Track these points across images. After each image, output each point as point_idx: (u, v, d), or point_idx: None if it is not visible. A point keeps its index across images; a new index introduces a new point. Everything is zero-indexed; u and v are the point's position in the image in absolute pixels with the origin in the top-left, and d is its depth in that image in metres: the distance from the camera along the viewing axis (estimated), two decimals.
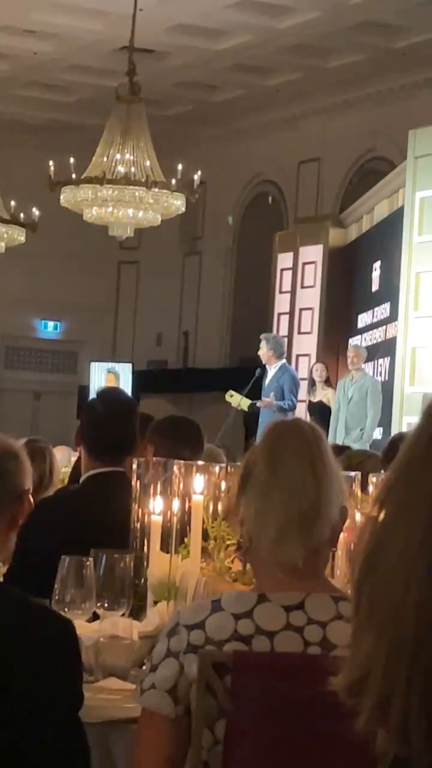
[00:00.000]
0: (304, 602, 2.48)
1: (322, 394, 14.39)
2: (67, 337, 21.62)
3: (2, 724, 2.12)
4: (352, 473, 3.45)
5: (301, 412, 14.41)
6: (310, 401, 14.44)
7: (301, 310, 16.27)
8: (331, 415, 13.63)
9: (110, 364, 19.99)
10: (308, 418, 14.08)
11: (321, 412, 13.97)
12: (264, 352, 13.53)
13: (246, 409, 13.66)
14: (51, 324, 21.60)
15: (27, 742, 2.12)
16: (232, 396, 13.73)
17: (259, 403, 13.34)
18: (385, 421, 13.19)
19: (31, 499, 2.56)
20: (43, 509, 4.50)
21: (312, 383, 14.57)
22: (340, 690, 1.15)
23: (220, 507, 3.40)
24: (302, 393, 14.47)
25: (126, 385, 18.37)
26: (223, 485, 3.41)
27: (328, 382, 14.56)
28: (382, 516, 1.14)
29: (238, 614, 2.46)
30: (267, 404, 13.22)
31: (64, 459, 7.86)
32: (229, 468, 3.49)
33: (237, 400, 13.62)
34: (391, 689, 1.09)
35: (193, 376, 19.99)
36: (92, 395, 5.18)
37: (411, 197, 13.13)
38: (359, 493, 3.41)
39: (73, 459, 6.74)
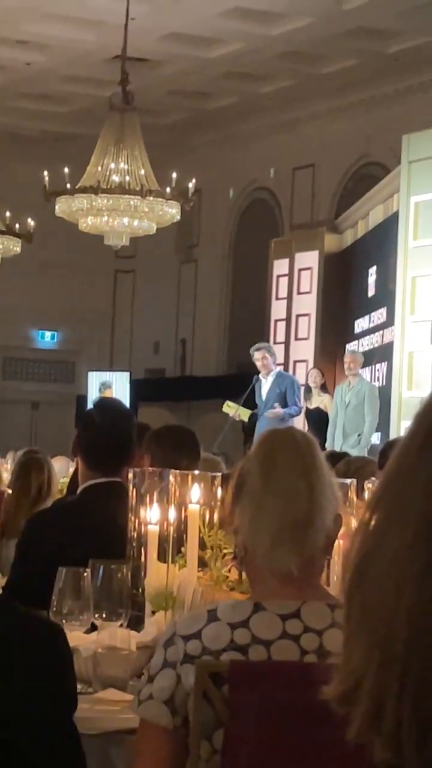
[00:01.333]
0: (300, 610, 2.48)
1: (319, 401, 14.38)
2: (65, 347, 21.63)
3: None
4: (348, 480, 3.44)
5: (299, 418, 14.41)
6: (307, 408, 14.43)
7: (297, 316, 16.28)
8: (328, 421, 13.63)
9: (107, 374, 20.00)
10: (306, 425, 14.09)
11: (318, 418, 13.97)
12: (267, 361, 13.51)
13: (245, 420, 13.64)
14: (48, 334, 21.61)
15: (23, 750, 2.12)
16: (229, 406, 13.73)
17: (268, 413, 13.29)
18: (384, 426, 13.19)
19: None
20: (42, 520, 4.51)
21: (308, 390, 14.56)
22: (332, 698, 1.15)
23: (216, 516, 3.40)
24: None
25: (124, 394, 18.38)
26: (219, 493, 3.41)
27: (325, 388, 14.55)
28: (373, 522, 1.14)
29: (234, 623, 2.46)
30: (275, 414, 13.18)
31: (63, 469, 7.86)
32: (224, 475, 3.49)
33: (234, 409, 13.61)
34: (384, 696, 1.09)
35: (191, 384, 20.00)
36: (90, 405, 5.18)
37: (406, 202, 13.14)
38: (355, 499, 3.41)
39: (72, 469, 6.75)
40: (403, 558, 1.08)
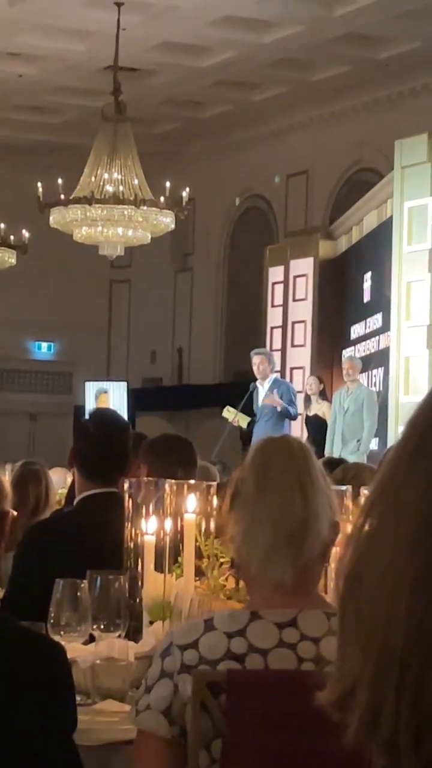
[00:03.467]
0: (296, 619, 2.48)
1: (318, 408, 14.37)
2: (61, 358, 21.62)
3: None
4: (344, 487, 3.44)
5: (298, 426, 14.40)
6: (306, 415, 14.43)
7: (293, 323, 16.28)
8: (327, 428, 13.61)
9: (104, 384, 19.99)
10: (305, 432, 14.09)
11: (317, 425, 13.96)
12: (264, 367, 13.51)
13: (244, 427, 13.62)
14: (45, 345, 21.60)
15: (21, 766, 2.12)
16: (229, 411, 13.71)
17: (266, 400, 13.28)
18: (381, 431, 13.18)
19: (14, 513, 2.56)
20: (39, 532, 4.50)
21: (308, 398, 14.55)
22: (327, 704, 1.14)
23: (212, 525, 3.39)
24: (299, 407, 14.48)
25: (121, 404, 18.37)
26: (215, 502, 3.41)
27: (324, 395, 14.54)
28: (366, 527, 1.13)
29: (230, 633, 2.45)
30: (273, 400, 13.18)
31: (61, 480, 7.86)
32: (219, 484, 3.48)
33: (233, 414, 13.60)
34: (380, 702, 1.08)
35: (188, 393, 19.99)
36: (86, 416, 5.18)
37: (399, 207, 13.14)
38: (351, 506, 3.40)
39: (69, 480, 6.75)
40: (398, 563, 1.08)
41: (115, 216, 13.14)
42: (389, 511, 1.11)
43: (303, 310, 16.14)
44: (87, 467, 4.41)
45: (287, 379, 15.21)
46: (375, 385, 14.04)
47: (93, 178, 13.18)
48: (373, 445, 13.32)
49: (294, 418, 13.52)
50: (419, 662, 1.06)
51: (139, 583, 3.62)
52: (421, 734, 1.06)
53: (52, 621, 3.37)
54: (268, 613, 2.48)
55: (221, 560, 3.28)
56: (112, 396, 19.32)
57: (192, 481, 3.66)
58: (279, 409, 13.16)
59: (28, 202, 13.81)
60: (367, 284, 14.87)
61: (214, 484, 3.54)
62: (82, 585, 3.41)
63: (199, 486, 3.49)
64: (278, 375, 14.33)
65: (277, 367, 14.70)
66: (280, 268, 16.52)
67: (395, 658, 1.07)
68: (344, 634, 1.13)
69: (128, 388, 19.62)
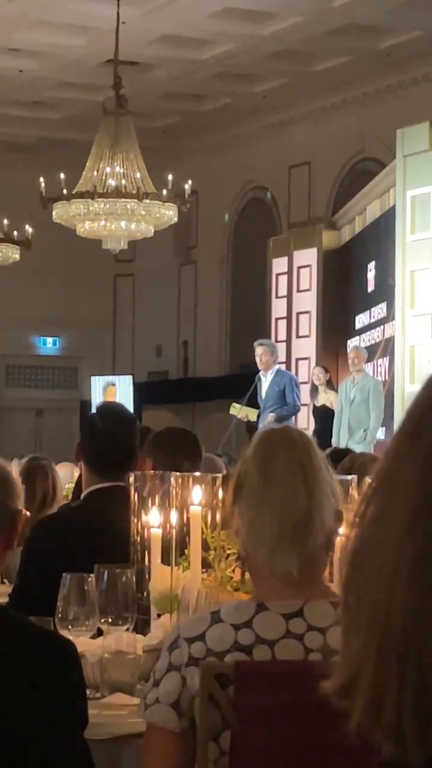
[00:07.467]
0: (303, 609, 2.48)
1: (325, 398, 14.36)
2: (67, 353, 21.64)
3: (3, 749, 2.12)
4: (349, 477, 3.44)
5: (305, 416, 14.39)
6: (314, 405, 14.42)
7: (298, 314, 16.28)
8: (334, 418, 13.60)
9: (110, 378, 20.01)
10: (312, 422, 14.08)
11: (324, 416, 13.95)
12: (267, 358, 13.48)
13: (253, 420, 13.59)
14: (50, 340, 21.62)
15: (31, 764, 2.12)
16: (235, 408, 13.70)
17: (265, 424, 13.26)
18: (387, 420, 13.18)
19: (27, 514, 2.57)
20: (46, 527, 4.50)
21: (314, 388, 14.53)
22: (331, 692, 1.15)
23: (218, 517, 3.39)
24: (305, 398, 14.47)
25: (127, 398, 18.39)
26: (221, 494, 3.41)
27: (331, 385, 14.52)
28: (368, 515, 1.14)
29: (237, 624, 2.46)
30: (270, 421, 13.18)
31: (67, 475, 7.87)
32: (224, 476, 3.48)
33: (239, 410, 13.59)
34: (383, 688, 1.08)
35: (194, 386, 20.00)
36: (93, 410, 5.18)
37: (402, 196, 13.13)
38: (356, 496, 3.40)
39: (76, 474, 6.75)
40: (396, 550, 1.08)
41: (118, 210, 13.13)
42: (388, 496, 1.11)
43: (307, 301, 16.14)
44: (93, 462, 4.40)
45: (292, 370, 15.20)
46: (380, 375, 14.03)
47: (95, 172, 13.17)
48: (380, 434, 13.32)
49: (293, 412, 13.47)
50: (419, 649, 1.06)
51: (147, 577, 3.62)
52: (425, 720, 1.07)
53: (59, 615, 3.37)
54: (275, 604, 2.48)
55: (228, 552, 3.28)
56: (118, 390, 19.34)
57: (197, 474, 3.66)
58: (273, 419, 13.09)
59: (31, 198, 13.82)
60: (371, 274, 14.86)
61: (220, 476, 3.54)
62: (90, 579, 3.41)
63: (204, 478, 3.49)
64: (281, 366, 14.31)
65: (281, 358, 14.68)
66: (284, 260, 16.52)
67: (396, 644, 1.07)
68: (347, 622, 1.14)
69: (134, 382, 19.63)
